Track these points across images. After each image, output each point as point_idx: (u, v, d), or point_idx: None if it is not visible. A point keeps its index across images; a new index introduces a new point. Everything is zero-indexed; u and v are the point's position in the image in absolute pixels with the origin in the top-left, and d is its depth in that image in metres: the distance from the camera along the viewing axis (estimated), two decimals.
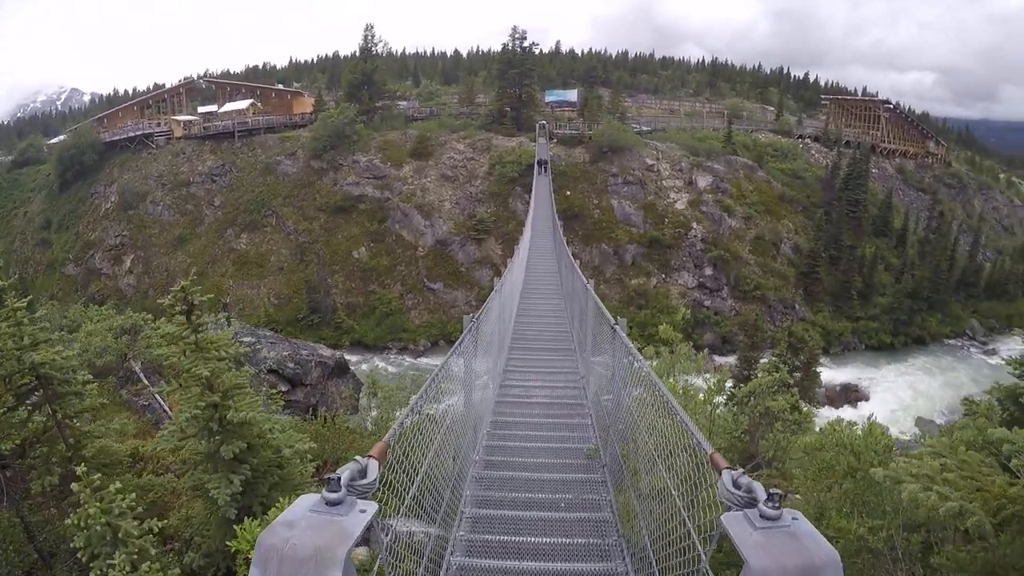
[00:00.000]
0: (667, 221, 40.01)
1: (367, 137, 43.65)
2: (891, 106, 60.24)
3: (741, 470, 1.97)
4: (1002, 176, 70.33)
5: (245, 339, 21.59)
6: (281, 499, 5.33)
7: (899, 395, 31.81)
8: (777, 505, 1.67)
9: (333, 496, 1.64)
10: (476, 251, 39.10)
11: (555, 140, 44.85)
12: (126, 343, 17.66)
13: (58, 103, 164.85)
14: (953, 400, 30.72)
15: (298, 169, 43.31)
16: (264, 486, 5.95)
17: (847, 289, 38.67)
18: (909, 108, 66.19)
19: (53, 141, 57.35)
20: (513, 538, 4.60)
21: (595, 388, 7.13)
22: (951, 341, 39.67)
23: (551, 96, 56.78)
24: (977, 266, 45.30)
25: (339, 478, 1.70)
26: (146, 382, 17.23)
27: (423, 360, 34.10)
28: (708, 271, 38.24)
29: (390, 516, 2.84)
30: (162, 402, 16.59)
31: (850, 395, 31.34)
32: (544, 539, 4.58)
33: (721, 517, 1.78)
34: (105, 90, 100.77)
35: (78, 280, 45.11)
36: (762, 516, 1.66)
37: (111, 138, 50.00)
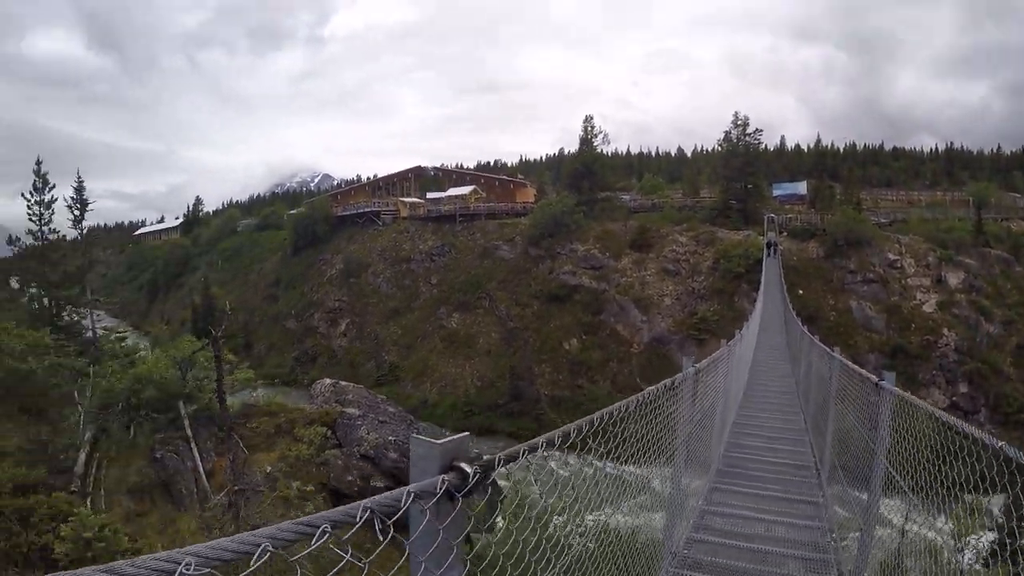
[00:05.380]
0: (913, 326, 39.55)
1: (586, 227, 49.92)
2: None
3: None
4: None
5: (349, 410, 21.37)
6: None
7: None
8: None
9: None
10: (696, 352, 41.52)
11: (784, 234, 47.23)
12: (178, 380, 19.79)
13: (311, 185, 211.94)
14: None
15: (515, 255, 50.90)
16: None
17: None
18: None
19: (292, 212, 72.74)
20: None
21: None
22: None
23: (778, 190, 60.77)
24: None
25: None
26: (189, 433, 18.73)
27: (625, 468, 37.49)
28: (963, 388, 36.91)
29: None
30: (197, 458, 17.71)
31: None
32: None
33: None
34: (351, 176, 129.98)
35: (296, 334, 56.91)
36: None
37: (343, 213, 63.86)
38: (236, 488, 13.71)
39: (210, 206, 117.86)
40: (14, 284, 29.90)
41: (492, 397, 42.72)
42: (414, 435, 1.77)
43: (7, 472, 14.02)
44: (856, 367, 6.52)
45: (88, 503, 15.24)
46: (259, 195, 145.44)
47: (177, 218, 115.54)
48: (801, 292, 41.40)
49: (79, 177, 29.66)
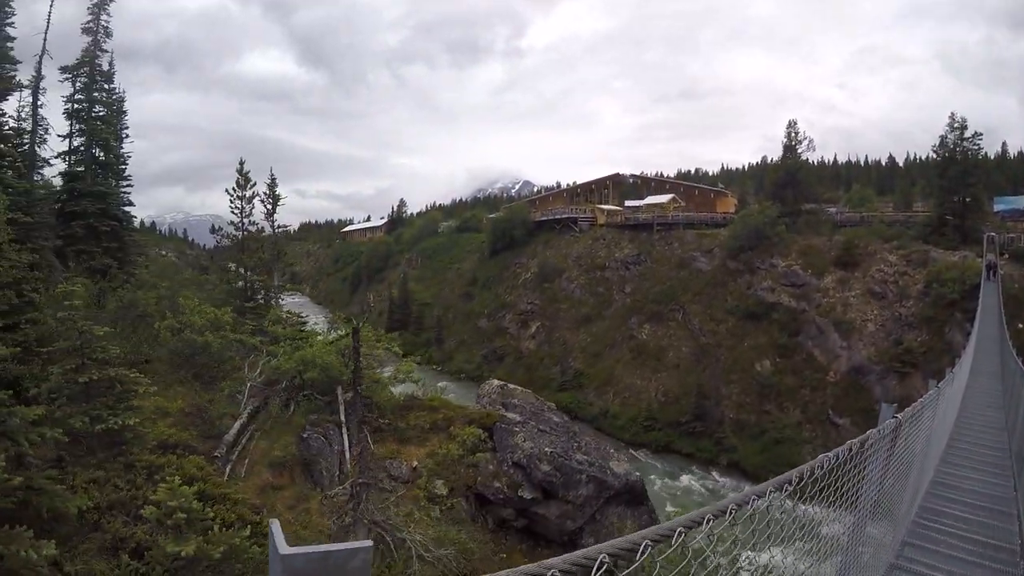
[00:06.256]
0: None
1: (788, 240, 49.16)
2: None
3: None
4: None
5: (509, 414, 20.97)
6: None
7: None
8: None
9: None
10: (896, 388, 38.58)
11: (1006, 256, 43.34)
12: (341, 365, 20.48)
13: (512, 191, 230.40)
14: None
15: (712, 267, 51.48)
16: None
17: None
18: None
19: (492, 215, 78.55)
20: None
21: None
22: None
23: (1000, 204, 56.28)
24: None
25: None
26: (342, 418, 19.34)
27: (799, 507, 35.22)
28: None
29: None
30: (346, 443, 18.23)
31: None
32: None
33: None
34: (551, 183, 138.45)
35: (487, 333, 61.93)
36: None
37: (540, 218, 68.60)
38: (360, 481, 14.19)
39: (414, 208, 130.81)
40: (232, 267, 33.10)
41: (674, 414, 43.11)
42: (272, 520, 1.40)
43: (156, 430, 15.68)
44: None
45: (228, 469, 16.87)
46: (461, 199, 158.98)
47: (382, 218, 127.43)
48: (1021, 326, 37.64)
49: (271, 175, 32.97)
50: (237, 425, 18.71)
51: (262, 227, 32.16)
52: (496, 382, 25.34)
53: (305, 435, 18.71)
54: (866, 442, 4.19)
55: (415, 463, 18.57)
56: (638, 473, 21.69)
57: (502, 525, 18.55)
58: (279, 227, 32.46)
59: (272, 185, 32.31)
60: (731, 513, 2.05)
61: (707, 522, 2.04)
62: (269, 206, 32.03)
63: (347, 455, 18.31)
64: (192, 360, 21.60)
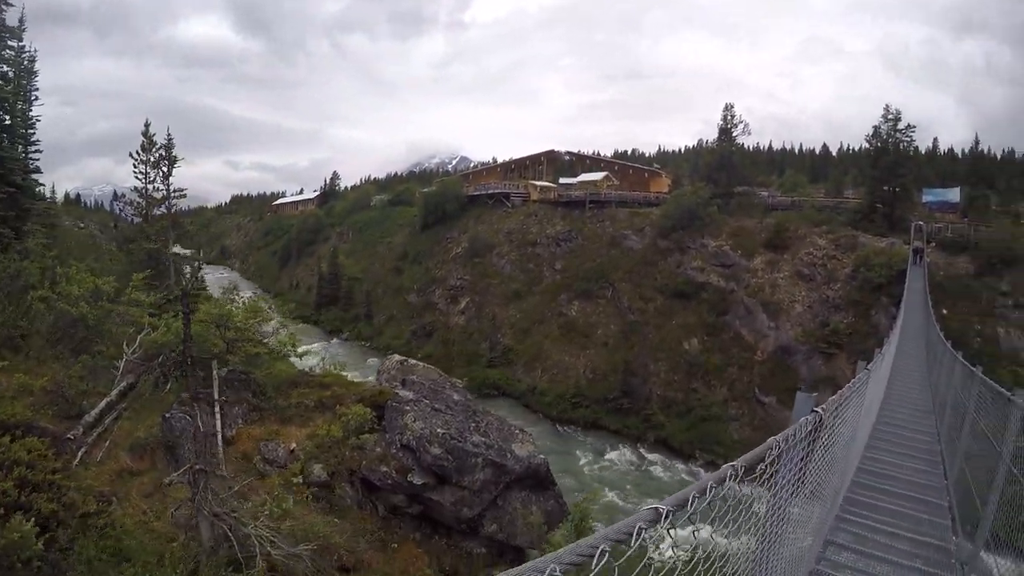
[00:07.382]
0: None
1: (720, 221, 49.42)
2: None
3: None
4: None
5: (402, 392, 19.55)
6: None
7: None
8: None
9: None
10: (822, 367, 39.89)
11: (932, 244, 44.58)
12: (218, 338, 19.42)
13: (449, 166, 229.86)
14: None
15: (643, 246, 51.32)
16: None
17: None
18: None
19: (425, 189, 77.01)
20: None
21: None
22: None
23: (929, 196, 57.59)
24: None
25: None
26: (215, 395, 17.43)
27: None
28: None
29: None
30: (218, 421, 16.71)
31: None
32: None
33: None
34: (489, 159, 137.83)
35: (416, 308, 60.66)
36: None
37: (473, 193, 67.54)
38: (197, 467, 12.77)
39: (350, 182, 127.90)
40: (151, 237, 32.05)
41: (602, 391, 43.16)
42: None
43: (10, 409, 14.35)
44: None
45: (81, 453, 15.48)
46: (397, 173, 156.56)
47: (315, 191, 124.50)
48: (945, 312, 38.60)
49: (168, 134, 30.93)
50: (103, 404, 17.18)
51: (165, 193, 30.50)
52: (396, 357, 24.22)
53: (168, 415, 16.83)
54: (767, 457, 3.08)
55: (294, 445, 17.15)
56: (543, 456, 20.31)
57: (395, 511, 17.37)
58: (175, 191, 30.44)
59: (168, 146, 30.27)
60: (692, 502, 2.05)
61: (666, 516, 1.95)
62: (165, 168, 30.07)
63: (219, 436, 16.71)
64: (70, 334, 20.04)
